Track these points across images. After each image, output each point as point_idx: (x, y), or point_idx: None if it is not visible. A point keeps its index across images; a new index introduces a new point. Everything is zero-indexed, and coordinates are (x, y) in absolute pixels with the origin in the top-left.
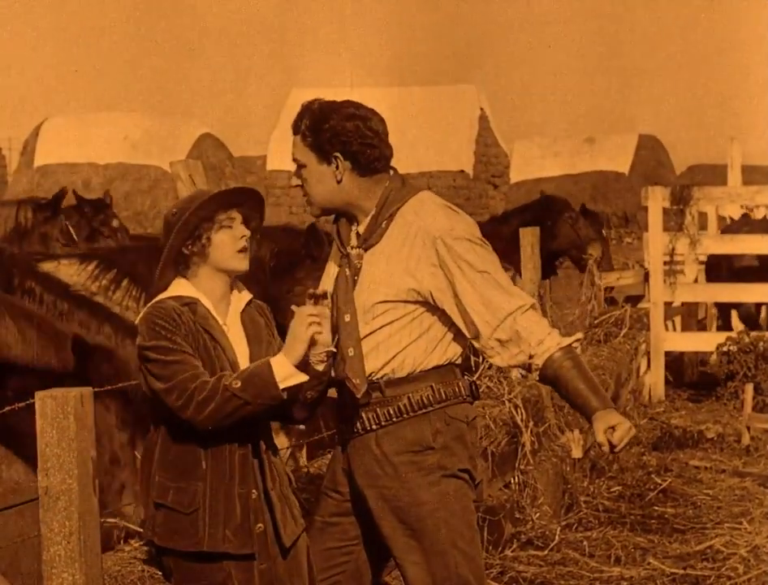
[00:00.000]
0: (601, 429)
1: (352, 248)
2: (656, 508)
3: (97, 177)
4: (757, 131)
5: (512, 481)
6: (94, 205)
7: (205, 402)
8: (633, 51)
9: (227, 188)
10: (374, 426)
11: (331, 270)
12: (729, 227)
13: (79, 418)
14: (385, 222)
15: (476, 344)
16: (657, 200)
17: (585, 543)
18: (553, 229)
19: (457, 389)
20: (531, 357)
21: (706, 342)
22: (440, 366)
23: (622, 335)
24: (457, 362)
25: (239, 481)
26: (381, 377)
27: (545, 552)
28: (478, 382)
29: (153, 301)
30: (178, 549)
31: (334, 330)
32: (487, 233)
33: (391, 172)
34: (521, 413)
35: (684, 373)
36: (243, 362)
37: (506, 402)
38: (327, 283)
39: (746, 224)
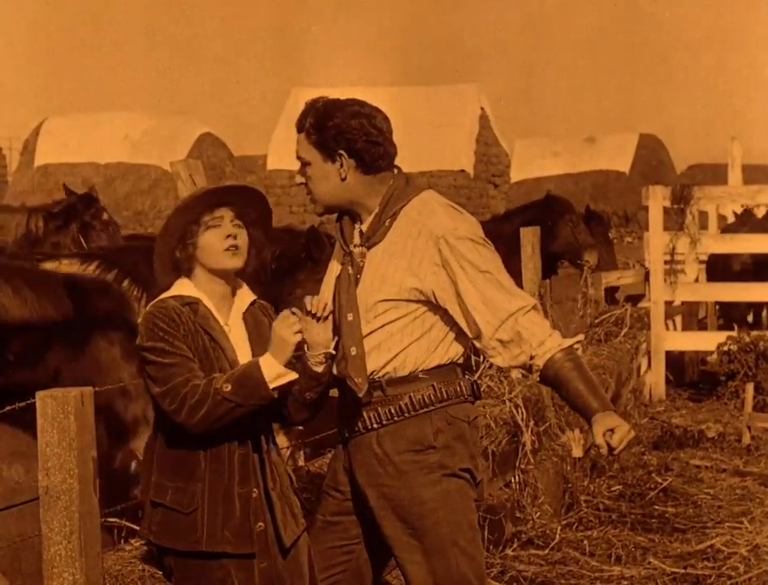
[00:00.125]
0: (600, 431)
1: (355, 246)
2: (656, 507)
3: (97, 177)
4: (757, 130)
5: (513, 480)
6: (84, 200)
7: (197, 406)
8: (633, 51)
9: (210, 187)
10: (375, 425)
11: (334, 268)
12: (728, 227)
13: (80, 417)
14: (388, 220)
15: (477, 344)
16: (657, 199)
17: (586, 542)
18: (553, 230)
19: (458, 389)
20: (532, 357)
21: (707, 341)
22: (442, 366)
23: (622, 334)
24: (459, 362)
25: (239, 481)
26: (383, 376)
27: (546, 551)
28: (479, 381)
29: (155, 300)
30: (176, 549)
31: (336, 331)
32: (488, 232)
33: (395, 171)
34: (522, 413)
35: (685, 372)
36: None
37: (507, 401)
38: (329, 281)
39: (744, 224)
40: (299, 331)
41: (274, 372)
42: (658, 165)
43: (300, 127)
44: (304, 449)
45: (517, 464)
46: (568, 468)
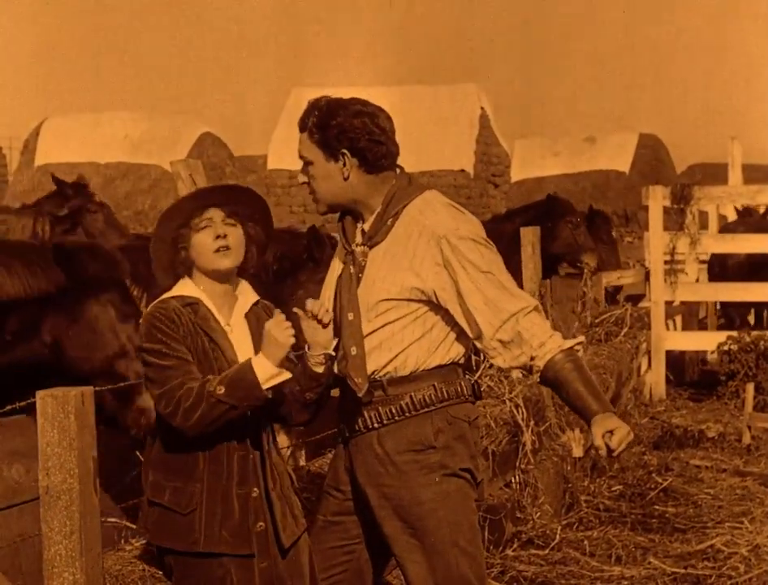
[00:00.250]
0: (599, 433)
1: (357, 245)
2: (657, 507)
3: (97, 177)
4: (757, 130)
5: (513, 480)
6: (74, 187)
7: (192, 409)
8: (634, 51)
9: (195, 190)
10: (376, 425)
11: (336, 267)
12: (726, 226)
13: (80, 417)
14: (390, 220)
15: (478, 345)
16: (657, 199)
17: (586, 542)
18: (553, 231)
19: (459, 389)
20: (532, 358)
21: (707, 341)
22: (443, 366)
23: (623, 334)
24: (460, 362)
25: (239, 481)
26: (384, 375)
27: (546, 551)
28: (479, 381)
29: (157, 300)
30: (173, 549)
31: (337, 330)
32: (489, 231)
33: (398, 170)
34: (522, 413)
35: (685, 372)
36: None
37: (507, 401)
38: (331, 280)
39: (742, 223)
40: (293, 333)
41: (267, 373)
42: (658, 165)
43: (303, 127)
44: (305, 448)
45: (517, 464)
46: (569, 468)
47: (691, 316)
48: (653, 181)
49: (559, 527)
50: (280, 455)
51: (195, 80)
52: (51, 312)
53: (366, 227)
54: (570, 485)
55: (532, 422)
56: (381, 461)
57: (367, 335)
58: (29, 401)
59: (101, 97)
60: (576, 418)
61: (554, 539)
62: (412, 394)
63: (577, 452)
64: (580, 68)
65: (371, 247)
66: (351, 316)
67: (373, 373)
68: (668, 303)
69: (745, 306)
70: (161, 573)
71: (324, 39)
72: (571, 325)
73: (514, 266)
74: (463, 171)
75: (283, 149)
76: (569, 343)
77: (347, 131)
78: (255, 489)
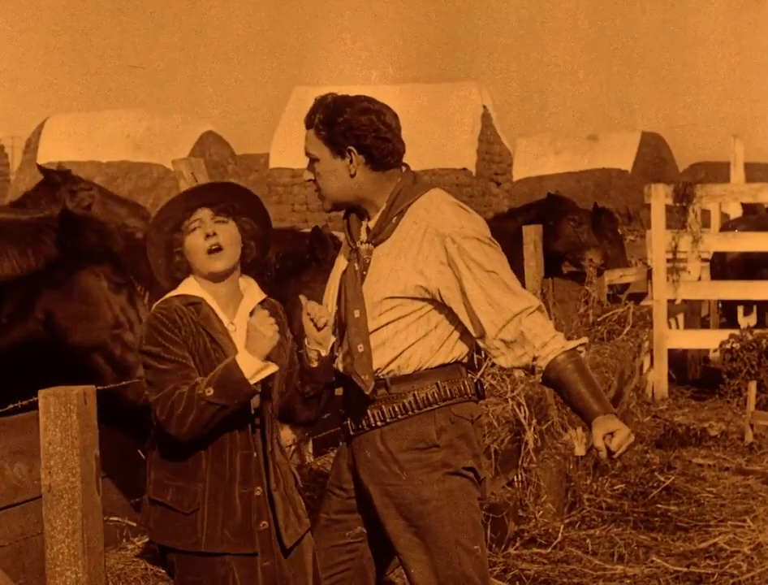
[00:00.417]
0: (599, 434)
1: (362, 243)
2: (659, 505)
3: (99, 175)
4: (759, 128)
5: (515, 479)
6: (61, 174)
7: (184, 415)
8: (636, 49)
9: (179, 194)
10: (379, 423)
11: (340, 263)
12: (726, 225)
13: (83, 415)
14: (395, 218)
15: (481, 344)
16: (659, 197)
17: (588, 541)
18: (555, 229)
19: (462, 387)
20: (535, 359)
21: (709, 339)
22: (446, 365)
23: (625, 332)
24: (463, 361)
25: (241, 481)
26: (387, 373)
27: (549, 549)
28: (481, 379)
29: (160, 300)
30: (176, 548)
31: (341, 327)
32: (492, 230)
33: (403, 168)
34: (524, 411)
35: (688, 370)
36: None
37: (510, 400)
38: (335, 276)
39: (742, 221)
40: (278, 329)
41: (254, 368)
42: (661, 163)
43: (309, 123)
44: (311, 442)
45: (520, 462)
46: (571, 466)
47: (693, 314)
48: (655, 179)
49: (562, 526)
50: (284, 454)
51: (197, 79)
52: (43, 287)
53: (371, 224)
54: (572, 484)
55: (534, 421)
56: (384, 459)
57: (371, 333)
58: (32, 400)
59: (103, 96)
60: (578, 416)
61: (556, 538)
62: (415, 392)
63: (579, 450)
64: (582, 67)
65: (376, 245)
66: (357, 313)
67: (376, 371)
68: (670, 301)
69: (746, 304)
70: (163, 571)
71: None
72: (572, 325)
73: (516, 265)
74: (465, 169)
75: (285, 148)
76: (572, 344)
77: (354, 128)
78: (258, 488)
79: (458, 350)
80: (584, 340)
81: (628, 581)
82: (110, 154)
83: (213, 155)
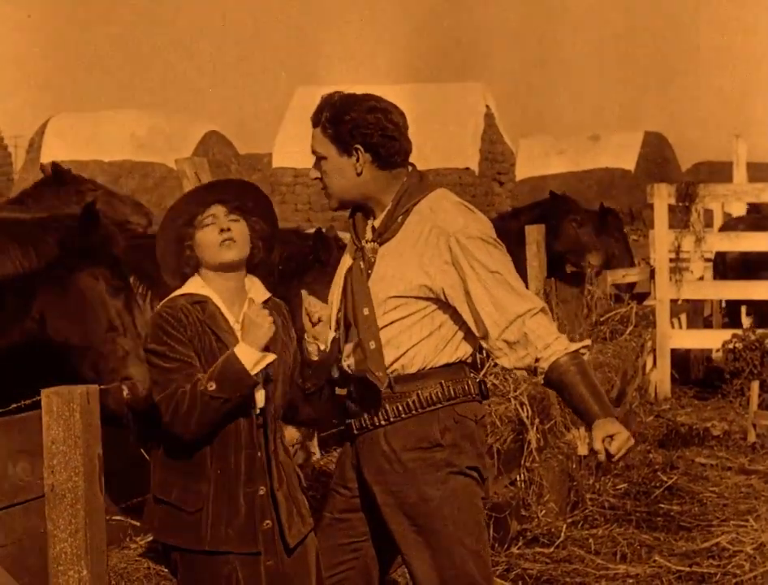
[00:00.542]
0: (599, 437)
1: (367, 242)
2: (662, 505)
3: (102, 175)
4: (762, 128)
5: (518, 478)
6: (66, 173)
7: (189, 414)
8: (638, 49)
9: (196, 188)
10: (383, 422)
11: (346, 262)
12: (726, 224)
13: (86, 414)
14: (400, 217)
15: (484, 344)
16: (662, 197)
17: (591, 540)
18: (556, 229)
19: (466, 387)
20: (537, 360)
21: (712, 339)
22: (450, 364)
23: (628, 332)
24: (467, 361)
25: (246, 480)
26: (391, 373)
27: (551, 549)
28: (484, 379)
29: (166, 298)
30: (180, 546)
31: (347, 327)
32: (495, 229)
33: (410, 168)
34: (527, 411)
35: (690, 370)
36: None
37: (512, 399)
38: (341, 273)
39: (742, 221)
40: (273, 320)
41: (253, 359)
42: (663, 163)
43: (316, 122)
44: (317, 438)
45: (522, 462)
46: (574, 466)
47: (696, 314)
48: (658, 179)
49: (564, 525)
50: (288, 454)
51: (200, 78)
52: (40, 287)
53: (376, 223)
54: (575, 483)
55: (537, 420)
56: (388, 458)
57: None
58: (34, 399)
59: (107, 96)
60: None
61: (559, 537)
62: (419, 392)
63: (582, 450)
64: (585, 66)
65: (381, 244)
66: (366, 311)
67: None
68: (673, 301)
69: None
70: (166, 570)
71: (329, 37)
72: (575, 325)
73: (519, 265)
74: (468, 169)
75: (288, 148)
76: (574, 346)
77: (361, 126)
78: (261, 487)
79: (462, 350)
80: (587, 342)
81: (631, 580)
82: (114, 154)
83: (216, 155)
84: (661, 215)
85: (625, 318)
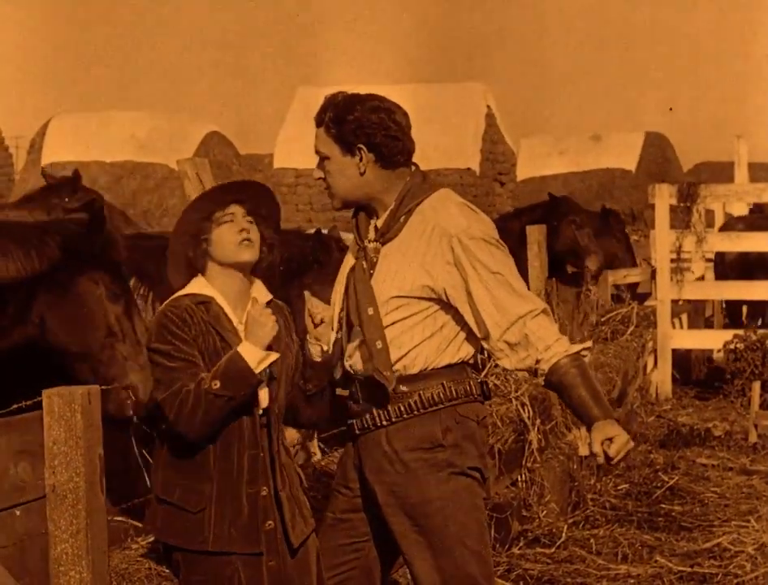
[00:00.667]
0: (598, 439)
1: (370, 241)
2: (663, 505)
3: (104, 175)
4: (763, 128)
5: (519, 479)
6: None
7: (193, 413)
8: (640, 49)
9: (219, 184)
10: (384, 423)
11: (349, 262)
12: (726, 224)
13: (87, 415)
14: (403, 217)
15: (485, 345)
16: (664, 197)
17: (592, 540)
18: (556, 230)
19: (468, 388)
20: (538, 362)
21: (713, 339)
22: (452, 365)
23: (629, 332)
24: (469, 362)
25: (249, 481)
26: (393, 373)
27: (552, 549)
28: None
29: (170, 298)
30: (182, 547)
31: (350, 327)
32: (497, 230)
33: (413, 168)
34: (528, 411)
35: (692, 370)
36: None
37: (513, 400)
38: (344, 273)
39: (741, 221)
40: (276, 319)
41: (257, 357)
42: (665, 163)
43: (320, 122)
44: (318, 438)
45: (523, 462)
46: (575, 466)
47: (697, 314)
48: (659, 179)
49: (565, 526)
50: (290, 455)
51: (201, 79)
52: (40, 290)
53: (379, 223)
54: (576, 483)
55: (538, 421)
56: (390, 458)
57: None
58: (36, 400)
59: (108, 96)
60: None
61: (560, 538)
62: (421, 392)
63: (583, 450)
64: (586, 66)
65: (383, 243)
66: (370, 311)
67: None
68: (674, 301)
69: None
70: (167, 571)
71: (331, 38)
72: (574, 326)
73: (520, 265)
74: (469, 169)
75: (289, 148)
76: (575, 347)
77: (364, 126)
78: (264, 488)
79: (464, 351)
80: (588, 344)
81: (632, 581)
82: (115, 154)
83: (217, 155)
84: (662, 216)
85: (626, 319)
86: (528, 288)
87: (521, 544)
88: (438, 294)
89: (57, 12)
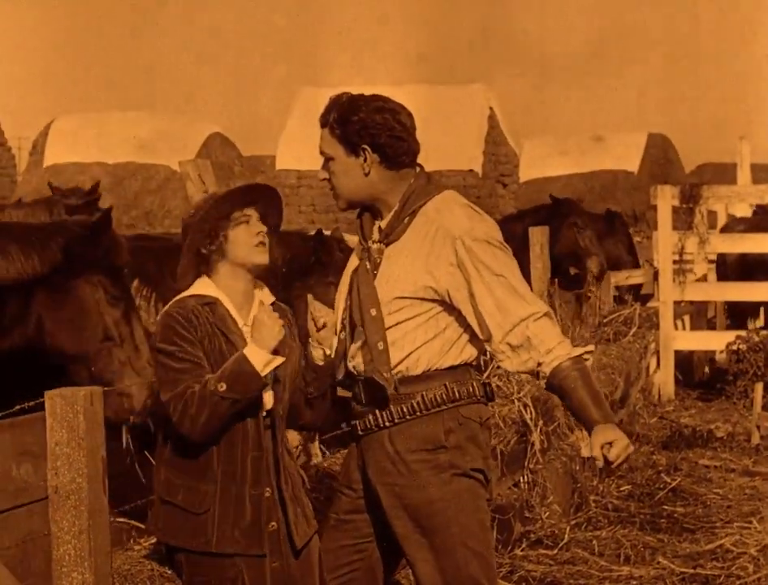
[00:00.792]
0: (598, 443)
1: (374, 242)
2: (665, 507)
3: (106, 176)
4: (766, 129)
5: (521, 480)
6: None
7: (198, 414)
8: (642, 50)
9: (242, 185)
10: (387, 424)
11: (353, 263)
12: (726, 225)
13: (89, 416)
14: (407, 218)
15: (487, 347)
16: (666, 198)
17: (595, 542)
18: (558, 232)
19: (471, 389)
20: (539, 364)
21: (716, 341)
22: (455, 366)
23: (631, 334)
24: (472, 363)
25: (252, 482)
26: (396, 374)
27: (555, 551)
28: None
29: (175, 299)
30: (185, 548)
31: (353, 328)
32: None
33: (417, 169)
34: (530, 412)
35: (694, 372)
36: None
37: (516, 401)
38: (348, 273)
39: (741, 222)
40: (283, 323)
41: (263, 360)
42: (667, 164)
43: (324, 122)
44: (319, 440)
45: (526, 464)
46: (577, 468)
47: (699, 316)
48: (661, 181)
49: (568, 527)
50: (292, 457)
51: (203, 80)
52: (40, 290)
53: (383, 224)
54: (579, 485)
55: (540, 422)
56: (392, 459)
57: None
58: (38, 401)
59: (110, 97)
60: None
61: (562, 539)
62: (424, 393)
63: (586, 452)
64: (588, 68)
65: (387, 244)
66: (373, 312)
67: None
68: (677, 303)
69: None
70: (170, 572)
71: (333, 39)
72: (575, 327)
73: (523, 266)
74: (471, 170)
75: (292, 150)
76: (577, 351)
77: (369, 126)
78: (267, 489)
79: (467, 352)
80: (591, 347)
81: (635, 582)
82: (117, 155)
83: (219, 157)
84: (664, 217)
85: (629, 320)
86: (531, 290)
87: (524, 546)
88: (441, 296)
89: (59, 14)
